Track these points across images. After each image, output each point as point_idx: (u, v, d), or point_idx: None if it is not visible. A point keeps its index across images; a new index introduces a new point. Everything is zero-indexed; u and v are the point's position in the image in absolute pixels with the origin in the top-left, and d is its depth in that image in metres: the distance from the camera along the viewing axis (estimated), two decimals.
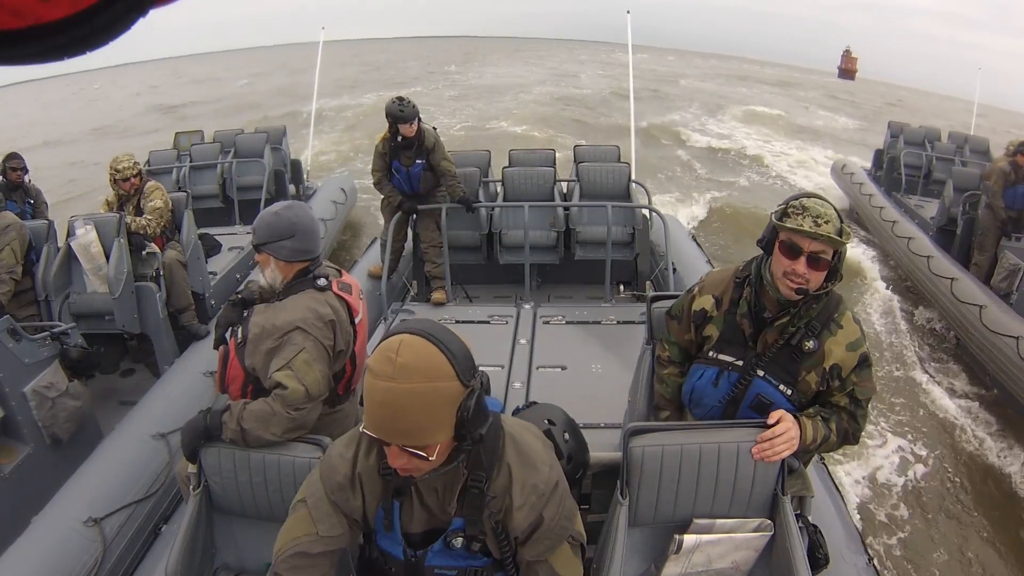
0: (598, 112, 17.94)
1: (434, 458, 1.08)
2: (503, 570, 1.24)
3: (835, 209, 1.55)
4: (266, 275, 1.95)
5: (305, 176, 7.72)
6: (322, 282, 1.92)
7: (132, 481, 2.83)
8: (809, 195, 1.60)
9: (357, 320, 2.00)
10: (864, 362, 1.66)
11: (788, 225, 1.52)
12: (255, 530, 1.91)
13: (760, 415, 1.70)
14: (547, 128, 15.21)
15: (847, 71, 40.19)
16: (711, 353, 1.76)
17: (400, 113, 3.95)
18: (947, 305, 5.50)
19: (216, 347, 2.07)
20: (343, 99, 19.66)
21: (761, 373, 1.68)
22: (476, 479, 1.17)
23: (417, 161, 4.13)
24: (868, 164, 9.42)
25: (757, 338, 1.69)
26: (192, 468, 1.84)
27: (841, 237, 1.52)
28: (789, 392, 1.67)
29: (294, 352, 1.80)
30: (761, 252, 1.69)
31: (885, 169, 8.37)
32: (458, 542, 1.19)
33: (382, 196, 4.46)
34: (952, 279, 5.56)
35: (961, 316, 5.23)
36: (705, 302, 1.78)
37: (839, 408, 1.69)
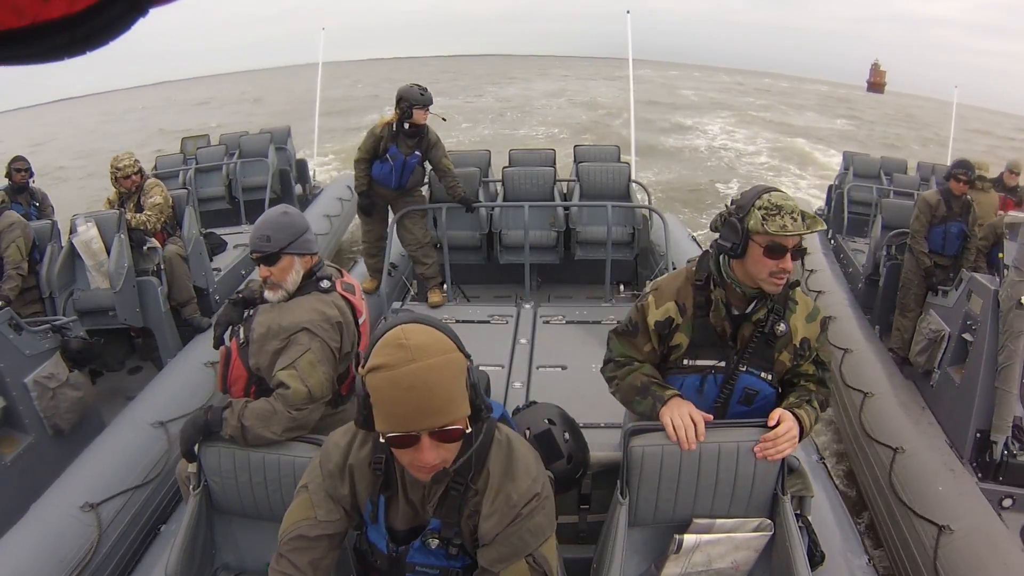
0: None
1: (470, 429, 1.09)
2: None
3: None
4: (288, 282, 1.91)
5: (312, 175, 7.70)
6: (326, 283, 1.92)
7: (130, 468, 2.85)
8: (768, 190, 1.60)
9: (361, 320, 2.00)
10: (824, 327, 1.73)
11: (772, 230, 1.51)
12: (255, 530, 1.91)
13: (747, 407, 1.73)
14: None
15: (876, 84, 39.73)
16: (686, 361, 1.72)
17: (420, 96, 3.83)
18: (834, 390, 3.93)
19: (216, 347, 2.07)
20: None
21: (743, 367, 1.70)
22: (458, 482, 1.17)
23: (415, 152, 4.01)
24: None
25: (735, 335, 1.70)
26: (192, 468, 1.84)
27: (816, 222, 1.54)
28: (769, 377, 1.71)
29: (299, 352, 1.80)
30: (704, 251, 1.74)
31: (834, 207, 6.95)
32: (433, 543, 1.20)
33: (358, 196, 4.21)
34: (845, 350, 4.09)
35: (843, 408, 3.83)
36: (669, 310, 1.72)
37: (807, 377, 1.73)
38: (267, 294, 1.92)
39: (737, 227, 1.57)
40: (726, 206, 1.68)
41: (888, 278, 4.53)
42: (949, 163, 8.62)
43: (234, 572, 1.93)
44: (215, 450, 1.81)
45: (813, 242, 6.29)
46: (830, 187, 7.59)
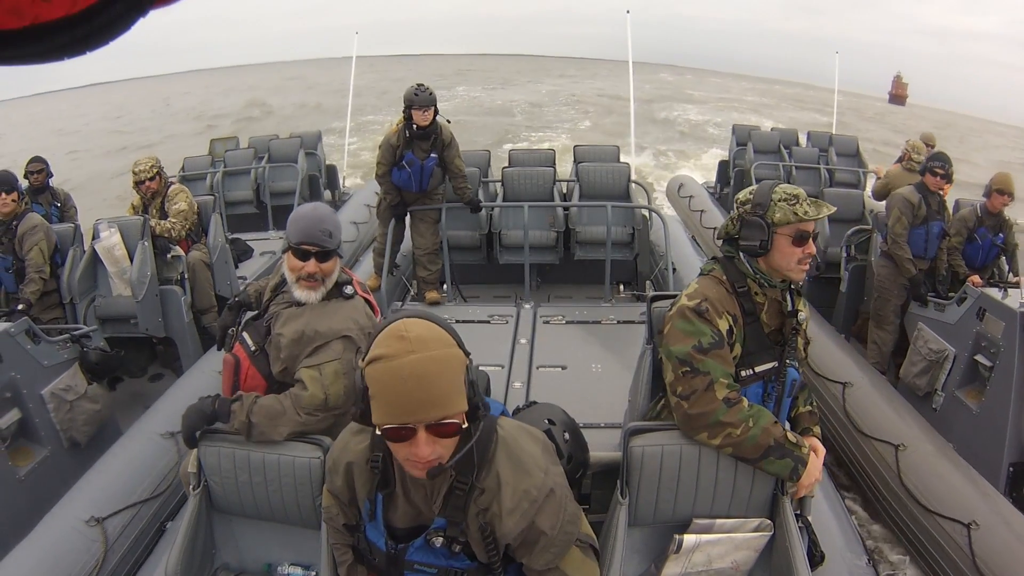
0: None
1: (467, 425, 1.09)
2: (490, 574, 1.22)
3: None
4: (329, 282, 1.87)
5: (342, 181, 7.64)
6: (349, 290, 1.89)
7: (138, 480, 2.79)
8: (777, 183, 1.67)
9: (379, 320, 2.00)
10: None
11: (805, 215, 1.57)
12: (255, 530, 1.91)
13: (791, 397, 1.78)
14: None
15: (898, 96, 38.98)
16: (743, 372, 1.69)
17: (415, 97, 3.76)
18: (837, 420, 3.40)
19: (219, 348, 2.05)
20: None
21: (787, 362, 1.72)
22: (462, 480, 1.16)
23: (432, 155, 3.97)
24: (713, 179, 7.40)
25: (781, 334, 1.73)
26: (192, 468, 1.85)
27: (825, 204, 1.62)
28: (796, 364, 1.74)
29: (328, 358, 1.77)
30: (720, 260, 1.74)
31: (732, 186, 6.49)
32: (438, 541, 1.19)
33: (379, 199, 4.33)
34: (845, 384, 3.46)
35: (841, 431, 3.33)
36: (728, 320, 1.67)
37: (796, 349, 1.77)
38: (303, 294, 1.82)
39: (761, 224, 1.61)
40: (736, 209, 1.70)
41: (852, 283, 4.07)
42: (835, 131, 7.94)
43: (234, 572, 1.93)
44: (215, 450, 1.80)
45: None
46: (722, 163, 7.24)
